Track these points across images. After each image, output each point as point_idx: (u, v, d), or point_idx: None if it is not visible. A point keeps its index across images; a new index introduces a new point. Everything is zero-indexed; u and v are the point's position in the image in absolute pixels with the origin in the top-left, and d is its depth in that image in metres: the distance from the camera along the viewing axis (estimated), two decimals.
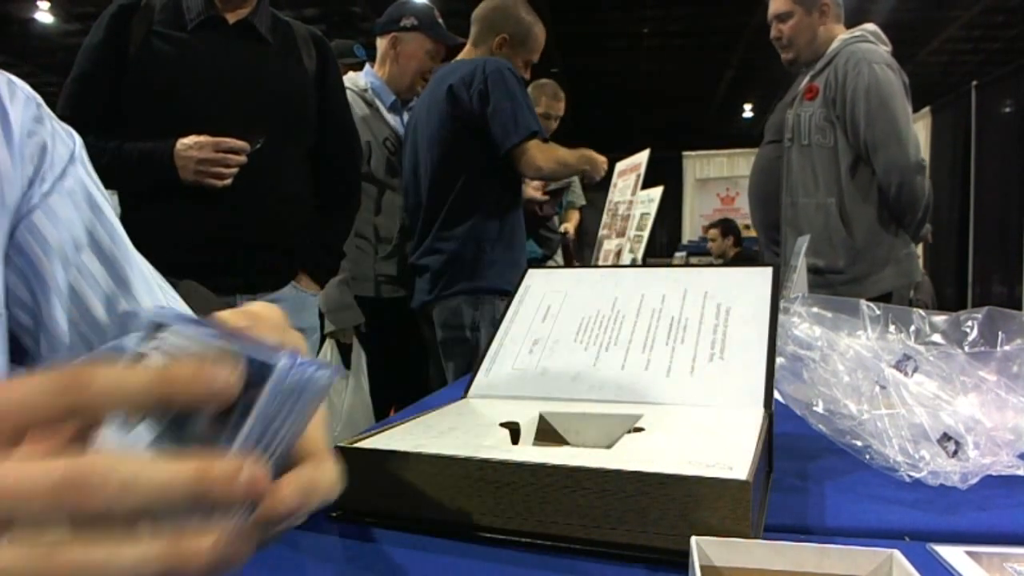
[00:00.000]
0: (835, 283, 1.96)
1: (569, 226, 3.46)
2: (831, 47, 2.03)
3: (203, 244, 1.40)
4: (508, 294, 0.71)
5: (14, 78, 0.56)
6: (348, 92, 2.00)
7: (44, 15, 7.09)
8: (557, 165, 1.91)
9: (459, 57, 2.07)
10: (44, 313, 0.53)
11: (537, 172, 1.90)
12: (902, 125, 1.89)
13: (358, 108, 2.09)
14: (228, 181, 1.40)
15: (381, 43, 2.20)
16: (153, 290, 0.60)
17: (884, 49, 2.00)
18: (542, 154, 1.85)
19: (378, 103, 2.16)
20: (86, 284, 0.55)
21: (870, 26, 2.06)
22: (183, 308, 0.60)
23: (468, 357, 1.88)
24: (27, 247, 0.52)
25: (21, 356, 0.55)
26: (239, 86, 1.45)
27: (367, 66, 2.25)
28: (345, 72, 2.14)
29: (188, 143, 1.37)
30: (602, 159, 2.08)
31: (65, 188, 0.55)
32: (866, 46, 1.98)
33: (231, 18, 1.47)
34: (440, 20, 2.18)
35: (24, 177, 0.53)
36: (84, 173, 0.58)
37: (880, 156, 1.90)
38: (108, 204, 0.59)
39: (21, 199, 0.52)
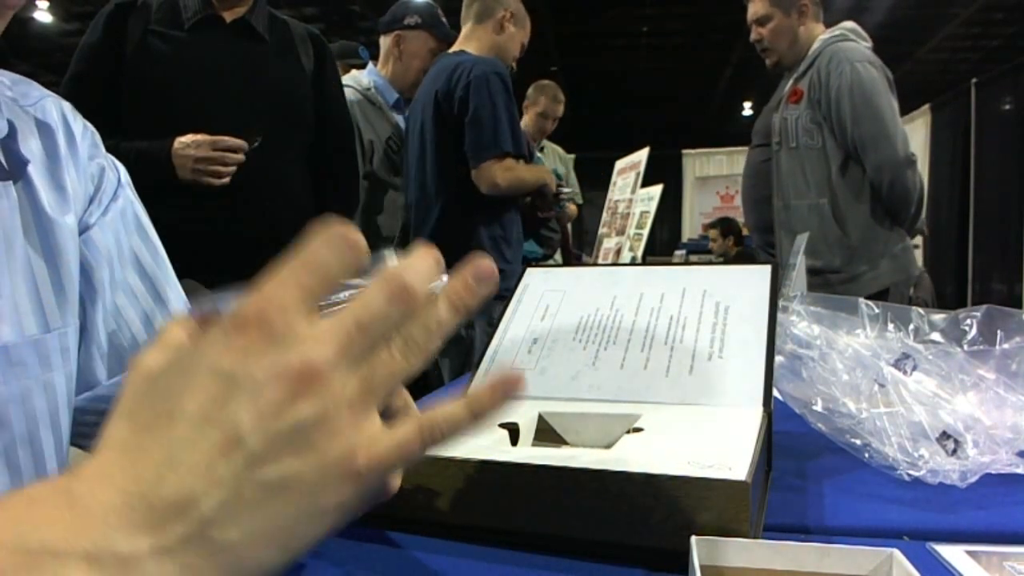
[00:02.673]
0: (833, 283, 1.96)
1: (571, 207, 3.45)
2: (812, 48, 2.02)
3: (201, 243, 1.39)
4: (503, 296, 0.70)
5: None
6: (351, 90, 2.00)
7: (43, 14, 7.08)
8: (513, 183, 1.90)
9: (462, 38, 2.05)
10: (89, 319, 0.56)
11: (493, 189, 1.86)
12: (888, 122, 1.88)
13: (360, 106, 2.09)
14: (226, 180, 1.40)
15: (384, 42, 2.20)
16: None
17: (865, 45, 1.99)
18: (501, 172, 1.84)
19: (381, 101, 2.16)
20: (127, 299, 0.59)
21: (849, 23, 2.05)
22: None
23: (463, 355, 1.88)
24: (84, 259, 0.56)
25: None
26: (236, 85, 1.44)
27: (370, 64, 2.26)
28: (348, 72, 2.13)
29: (186, 142, 1.37)
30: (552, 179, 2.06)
31: (117, 208, 0.60)
32: (847, 44, 1.96)
33: (228, 17, 1.47)
34: (443, 18, 2.18)
35: (86, 195, 0.57)
36: (133, 197, 0.63)
37: (869, 154, 1.89)
38: (151, 226, 0.63)
39: (83, 214, 0.56)
